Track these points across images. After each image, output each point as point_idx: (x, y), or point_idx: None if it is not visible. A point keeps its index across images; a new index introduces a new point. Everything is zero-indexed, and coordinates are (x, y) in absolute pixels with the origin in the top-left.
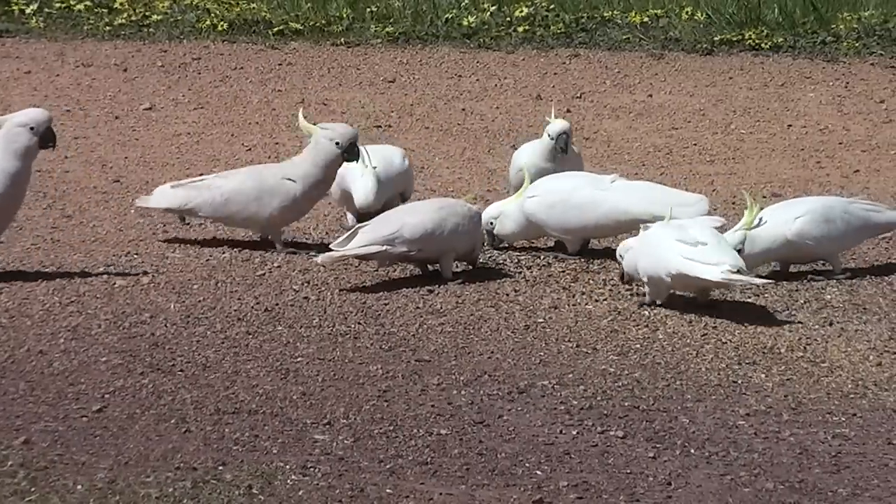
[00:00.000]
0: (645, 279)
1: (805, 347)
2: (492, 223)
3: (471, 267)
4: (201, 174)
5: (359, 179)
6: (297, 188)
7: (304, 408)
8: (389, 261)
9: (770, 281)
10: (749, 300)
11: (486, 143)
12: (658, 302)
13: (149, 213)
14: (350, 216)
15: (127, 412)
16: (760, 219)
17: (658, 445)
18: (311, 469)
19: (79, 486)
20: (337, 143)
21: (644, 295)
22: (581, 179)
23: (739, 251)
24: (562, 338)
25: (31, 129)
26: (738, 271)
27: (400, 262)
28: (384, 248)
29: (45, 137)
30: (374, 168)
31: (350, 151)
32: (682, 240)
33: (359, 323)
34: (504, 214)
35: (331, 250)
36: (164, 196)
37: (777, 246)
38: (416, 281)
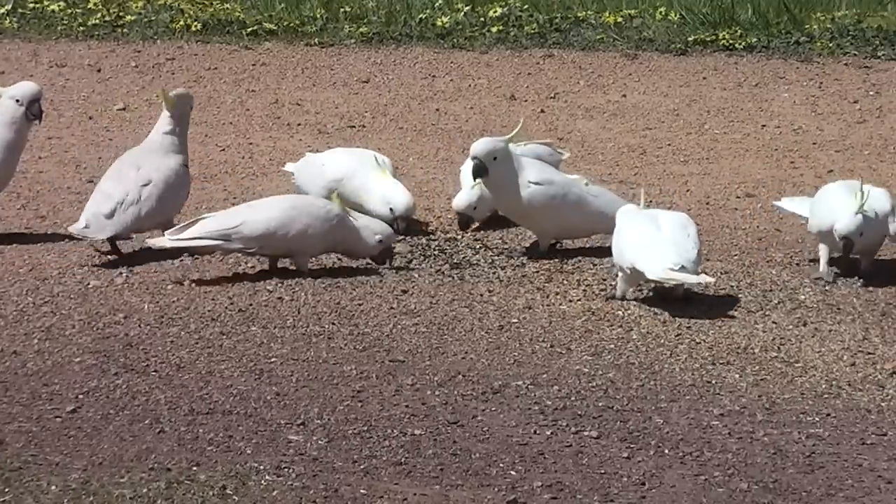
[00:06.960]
0: (618, 272)
1: (779, 348)
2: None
3: (376, 264)
4: None
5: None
6: None
7: (278, 408)
8: (230, 253)
9: (712, 280)
10: (723, 300)
11: (460, 144)
12: (619, 296)
13: None
14: None
15: (101, 413)
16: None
17: (632, 446)
18: (285, 469)
19: (53, 487)
20: (17, 101)
21: (613, 287)
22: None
23: (861, 234)
24: (536, 338)
25: (17, 101)
26: (682, 269)
27: (246, 255)
28: (219, 242)
29: (30, 110)
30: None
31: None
32: (643, 232)
33: (333, 323)
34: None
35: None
36: None
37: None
38: (389, 281)
